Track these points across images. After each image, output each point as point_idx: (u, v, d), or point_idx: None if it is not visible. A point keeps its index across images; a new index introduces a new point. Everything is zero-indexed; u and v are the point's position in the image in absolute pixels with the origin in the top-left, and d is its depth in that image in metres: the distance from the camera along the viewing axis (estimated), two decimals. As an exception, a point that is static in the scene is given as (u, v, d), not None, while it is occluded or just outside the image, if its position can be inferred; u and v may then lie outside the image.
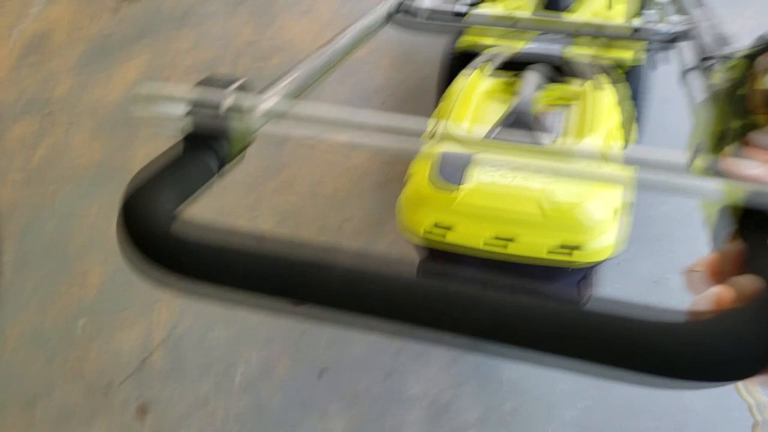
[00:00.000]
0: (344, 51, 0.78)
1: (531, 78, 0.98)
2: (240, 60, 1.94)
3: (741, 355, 0.25)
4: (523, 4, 1.29)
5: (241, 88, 0.44)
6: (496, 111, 0.97)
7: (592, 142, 0.88)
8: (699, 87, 0.66)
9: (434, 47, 1.74)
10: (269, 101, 0.53)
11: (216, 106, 0.42)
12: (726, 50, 0.69)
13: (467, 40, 1.18)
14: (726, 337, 0.25)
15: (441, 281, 0.29)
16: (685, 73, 0.74)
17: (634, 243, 1.29)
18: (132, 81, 1.88)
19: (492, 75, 1.06)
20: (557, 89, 1.01)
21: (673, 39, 0.88)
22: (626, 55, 1.11)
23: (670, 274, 1.31)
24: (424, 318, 0.29)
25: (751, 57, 0.44)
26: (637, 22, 1.05)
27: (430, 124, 0.98)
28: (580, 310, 0.28)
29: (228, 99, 0.42)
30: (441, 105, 1.05)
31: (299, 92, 0.64)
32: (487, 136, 0.89)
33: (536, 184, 0.82)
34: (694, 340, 0.25)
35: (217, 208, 1.49)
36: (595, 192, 0.81)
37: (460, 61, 1.29)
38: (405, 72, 1.81)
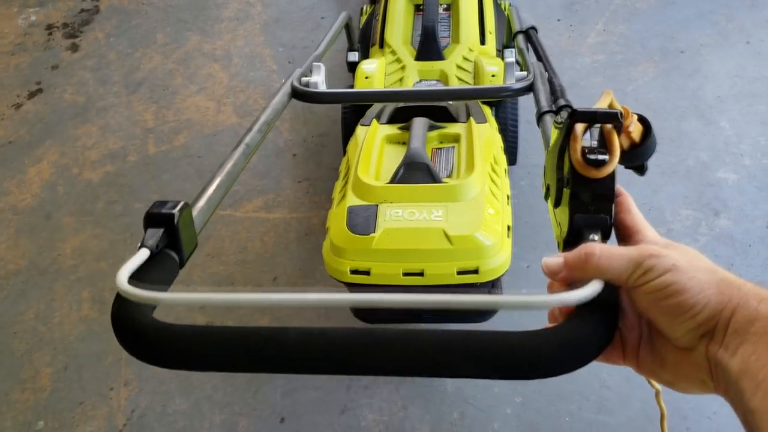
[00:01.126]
0: (261, 134, 0.86)
1: (418, 125, 1.10)
2: (146, 145, 1.95)
3: (556, 358, 0.37)
4: (405, 54, 1.43)
5: (183, 207, 0.55)
6: (396, 155, 1.07)
7: (480, 172, 0.99)
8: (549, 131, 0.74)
9: (325, 107, 1.89)
10: (206, 208, 0.65)
11: (169, 223, 0.53)
12: (560, 103, 0.78)
13: None
14: (549, 346, 0.37)
15: (357, 336, 0.38)
16: (538, 117, 0.83)
17: (532, 249, 1.45)
18: (45, 181, 1.89)
19: (386, 123, 1.18)
20: (443, 132, 1.12)
21: (521, 92, 0.97)
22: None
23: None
24: (351, 365, 0.39)
25: (570, 122, 0.49)
26: (489, 78, 1.18)
27: (342, 170, 1.09)
28: (465, 337, 0.38)
29: (176, 216, 0.53)
30: (348, 153, 1.13)
31: (231, 183, 0.75)
32: (392, 180, 1.01)
33: (436, 216, 0.90)
34: (529, 348, 0.37)
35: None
36: (486, 219, 0.91)
37: (355, 112, 1.43)
38: (304, 131, 1.91)
